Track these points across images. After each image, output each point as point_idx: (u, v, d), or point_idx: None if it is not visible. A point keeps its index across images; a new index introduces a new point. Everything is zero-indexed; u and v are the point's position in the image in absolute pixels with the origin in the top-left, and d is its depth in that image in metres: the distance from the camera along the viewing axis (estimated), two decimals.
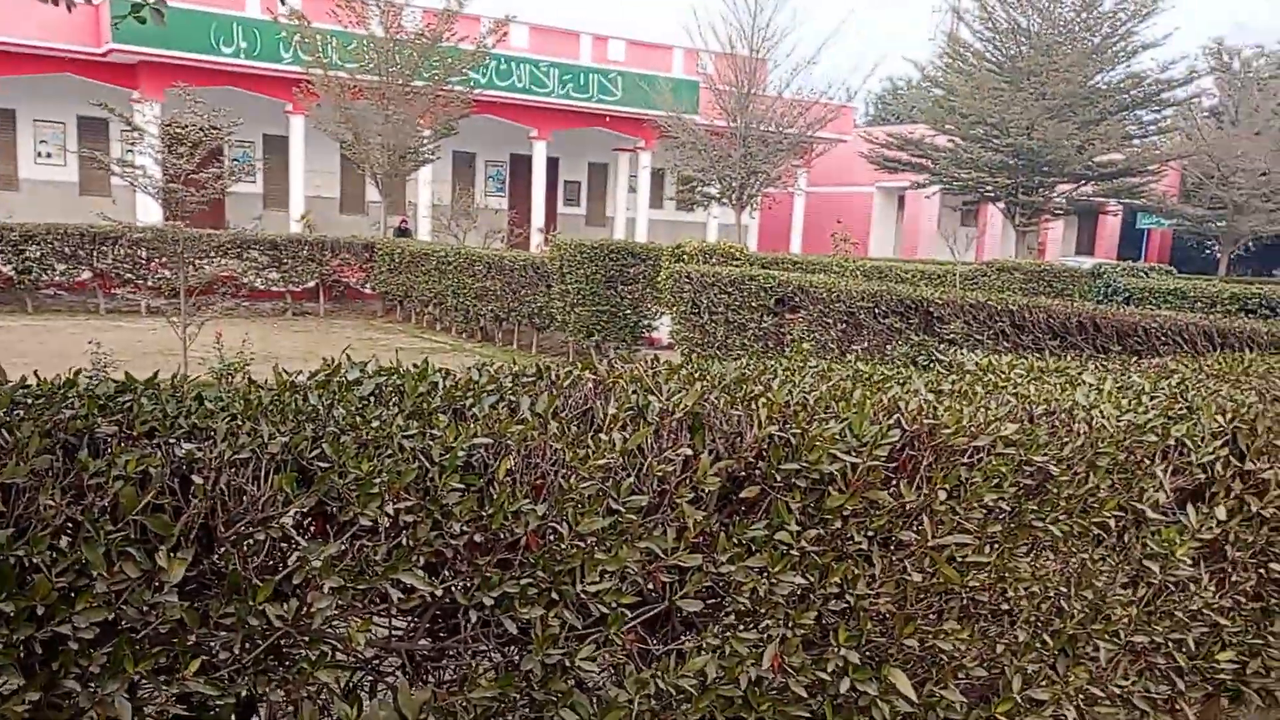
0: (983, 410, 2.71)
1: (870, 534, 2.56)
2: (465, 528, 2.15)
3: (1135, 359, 4.75)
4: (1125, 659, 3.11)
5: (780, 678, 2.52)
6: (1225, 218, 31.87)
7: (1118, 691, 3.12)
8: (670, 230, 30.19)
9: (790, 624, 2.52)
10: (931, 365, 3.54)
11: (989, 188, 28.29)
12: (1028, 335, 10.49)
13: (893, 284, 12.82)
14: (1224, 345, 9.05)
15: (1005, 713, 2.87)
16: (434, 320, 19.97)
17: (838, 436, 2.45)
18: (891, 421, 2.53)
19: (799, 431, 2.44)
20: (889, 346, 11.59)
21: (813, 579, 2.51)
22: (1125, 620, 3.04)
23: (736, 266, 14.03)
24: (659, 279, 14.45)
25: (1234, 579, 3.22)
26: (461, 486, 2.14)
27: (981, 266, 21.17)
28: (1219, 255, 33.53)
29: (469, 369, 2.60)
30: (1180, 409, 3.07)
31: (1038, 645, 2.92)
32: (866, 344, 11.70)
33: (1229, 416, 3.11)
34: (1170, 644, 3.13)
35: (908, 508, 2.58)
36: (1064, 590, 2.92)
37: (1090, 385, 3.18)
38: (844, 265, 16.29)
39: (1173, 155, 30.01)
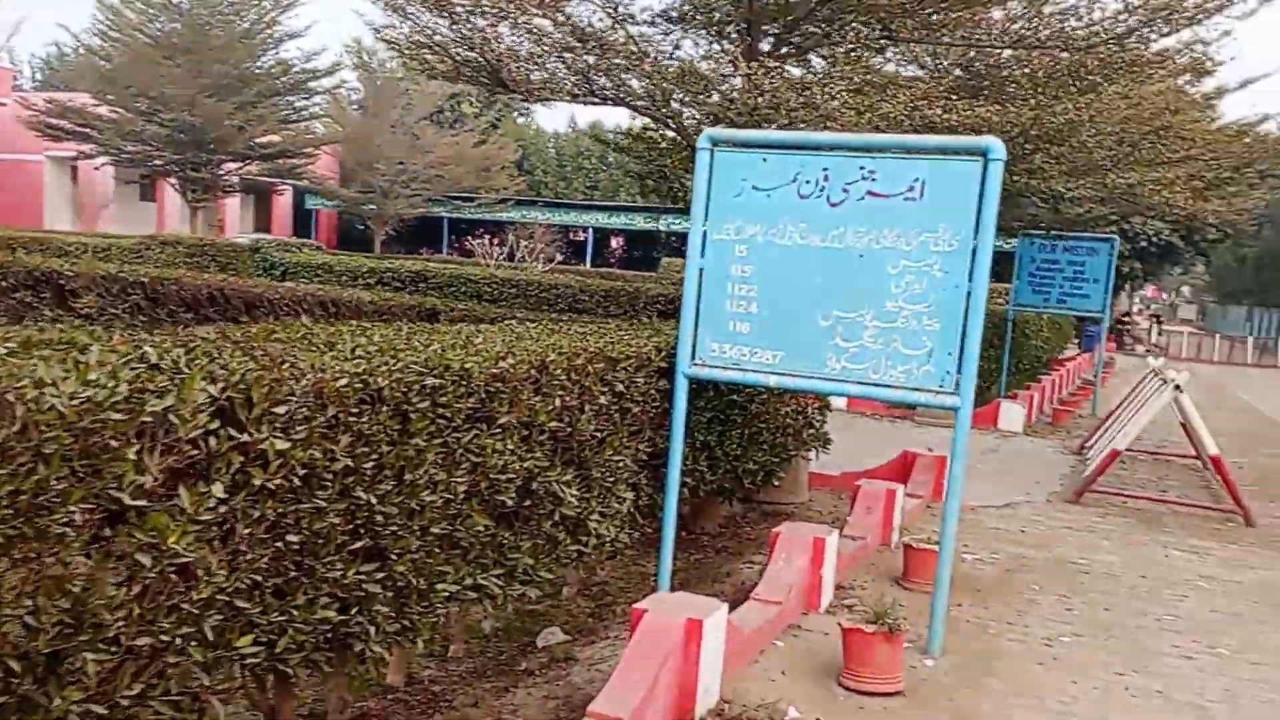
0: None
1: None
2: None
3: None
4: (131, 667, 2.55)
5: None
6: (375, 201, 33.85)
7: (127, 703, 2.56)
8: None
9: None
10: None
11: (158, 161, 26.64)
12: (163, 308, 9.66)
13: (21, 255, 11.04)
14: (338, 314, 9.19)
15: None
16: None
17: None
18: None
19: None
20: (24, 322, 10.01)
21: None
22: (121, 622, 2.48)
23: None
24: None
25: (249, 558, 2.83)
26: None
27: (145, 240, 19.87)
28: (376, 234, 35.55)
29: None
30: (164, 381, 2.58)
31: None
32: None
33: (221, 386, 2.71)
34: (181, 640, 2.65)
35: None
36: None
37: (78, 359, 2.55)
38: None
39: (322, 141, 31.03)
